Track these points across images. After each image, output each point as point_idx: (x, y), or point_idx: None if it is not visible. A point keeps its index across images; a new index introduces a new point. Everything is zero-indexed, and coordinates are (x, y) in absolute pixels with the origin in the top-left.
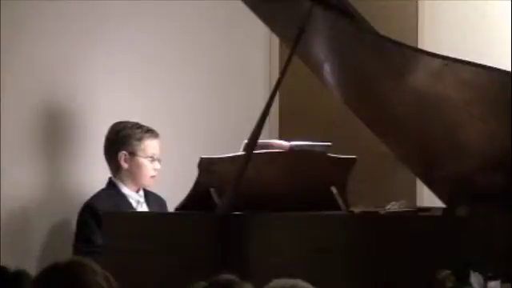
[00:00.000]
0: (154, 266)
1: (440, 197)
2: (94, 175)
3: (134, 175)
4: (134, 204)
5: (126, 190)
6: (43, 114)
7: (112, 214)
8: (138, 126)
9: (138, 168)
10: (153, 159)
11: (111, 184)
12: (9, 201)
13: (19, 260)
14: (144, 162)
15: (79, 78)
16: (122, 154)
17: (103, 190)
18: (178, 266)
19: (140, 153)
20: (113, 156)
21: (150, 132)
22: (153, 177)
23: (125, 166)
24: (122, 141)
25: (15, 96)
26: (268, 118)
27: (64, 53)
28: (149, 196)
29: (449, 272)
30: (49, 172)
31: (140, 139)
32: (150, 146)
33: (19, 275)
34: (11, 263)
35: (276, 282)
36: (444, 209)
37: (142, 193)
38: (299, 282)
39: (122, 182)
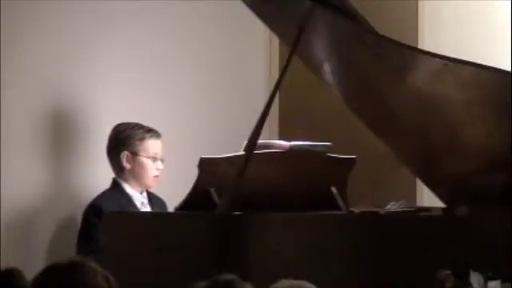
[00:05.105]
0: (154, 265)
1: (440, 197)
2: (98, 175)
3: (136, 175)
4: (139, 205)
5: (131, 191)
6: (45, 114)
7: (113, 214)
8: (139, 126)
9: (141, 168)
10: (155, 159)
11: (115, 184)
12: (11, 201)
13: (23, 261)
14: (146, 161)
15: (80, 77)
16: (124, 155)
17: (108, 190)
18: (178, 265)
19: (142, 153)
20: (115, 157)
21: (152, 132)
22: (156, 177)
23: (127, 166)
24: (123, 141)
25: (16, 96)
26: (268, 117)
27: (65, 53)
28: (152, 198)
29: (449, 272)
30: (52, 172)
31: (141, 139)
32: (152, 145)
33: (9, 273)
34: (14, 264)
35: (283, 282)
36: (444, 209)
37: (145, 194)
38: (306, 284)
39: (126, 182)
